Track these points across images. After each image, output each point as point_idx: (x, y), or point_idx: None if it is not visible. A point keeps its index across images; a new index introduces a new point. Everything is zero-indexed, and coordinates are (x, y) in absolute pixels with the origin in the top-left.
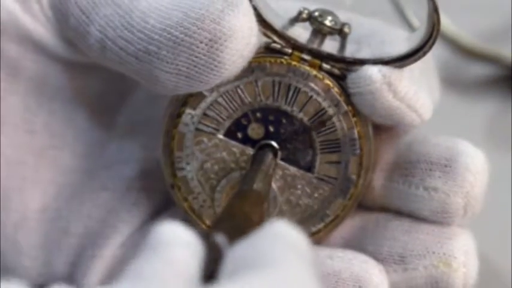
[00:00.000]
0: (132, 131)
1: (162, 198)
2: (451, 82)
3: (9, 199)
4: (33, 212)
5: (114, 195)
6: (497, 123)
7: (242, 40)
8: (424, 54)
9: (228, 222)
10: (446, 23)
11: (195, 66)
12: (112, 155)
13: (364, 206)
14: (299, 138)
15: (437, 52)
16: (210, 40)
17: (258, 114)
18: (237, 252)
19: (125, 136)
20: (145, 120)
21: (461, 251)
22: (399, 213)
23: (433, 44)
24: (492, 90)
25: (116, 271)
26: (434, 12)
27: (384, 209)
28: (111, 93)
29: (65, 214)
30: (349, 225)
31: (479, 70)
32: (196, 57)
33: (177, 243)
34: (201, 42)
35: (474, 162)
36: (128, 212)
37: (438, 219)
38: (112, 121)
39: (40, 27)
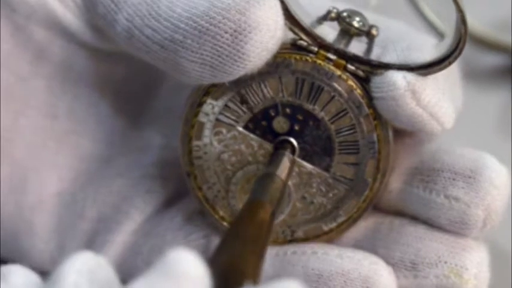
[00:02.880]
0: (153, 120)
1: (176, 187)
2: (463, 72)
3: (27, 181)
4: (50, 195)
5: (129, 182)
6: (509, 113)
7: (267, 32)
8: (450, 64)
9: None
10: None
11: (219, 56)
12: (131, 142)
13: (379, 208)
14: (318, 137)
15: None
16: (235, 31)
17: (288, 110)
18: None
19: (145, 124)
20: (167, 110)
21: (474, 263)
22: (414, 219)
23: (459, 54)
24: (504, 80)
25: (126, 258)
26: (462, 24)
27: (400, 213)
28: (136, 81)
29: (80, 198)
30: (362, 227)
31: (491, 60)
32: (221, 47)
33: (188, 277)
34: (226, 33)
35: (498, 177)
36: (141, 199)
37: (455, 229)
38: (135, 109)
39: (69, 14)
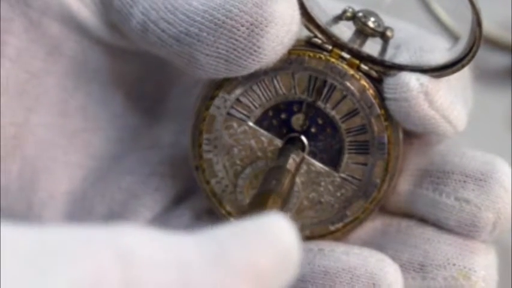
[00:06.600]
0: (164, 119)
1: (185, 186)
2: (471, 71)
3: (38, 179)
4: (60, 193)
5: (138, 179)
6: (510, 112)
7: (283, 27)
8: (463, 67)
9: None
10: None
11: (234, 50)
12: (142, 140)
13: (386, 210)
14: (328, 136)
15: None
16: (251, 24)
17: (305, 108)
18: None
19: (156, 123)
20: (179, 109)
21: (482, 266)
22: (423, 220)
23: (472, 57)
24: (506, 79)
25: None
26: (477, 26)
27: (408, 214)
28: (148, 81)
29: (90, 195)
30: (369, 228)
31: (493, 58)
32: (237, 40)
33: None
34: (242, 26)
35: (509, 180)
36: (150, 197)
37: (465, 231)
38: (146, 108)
39: (84, 9)
